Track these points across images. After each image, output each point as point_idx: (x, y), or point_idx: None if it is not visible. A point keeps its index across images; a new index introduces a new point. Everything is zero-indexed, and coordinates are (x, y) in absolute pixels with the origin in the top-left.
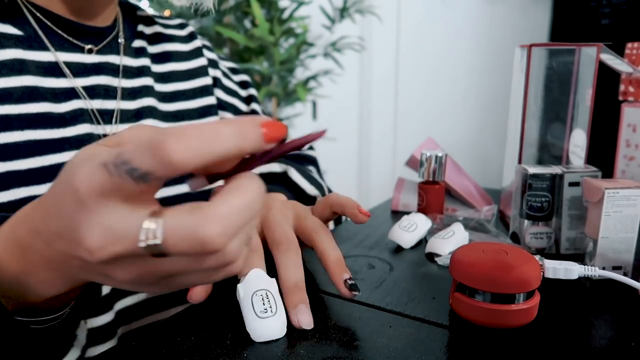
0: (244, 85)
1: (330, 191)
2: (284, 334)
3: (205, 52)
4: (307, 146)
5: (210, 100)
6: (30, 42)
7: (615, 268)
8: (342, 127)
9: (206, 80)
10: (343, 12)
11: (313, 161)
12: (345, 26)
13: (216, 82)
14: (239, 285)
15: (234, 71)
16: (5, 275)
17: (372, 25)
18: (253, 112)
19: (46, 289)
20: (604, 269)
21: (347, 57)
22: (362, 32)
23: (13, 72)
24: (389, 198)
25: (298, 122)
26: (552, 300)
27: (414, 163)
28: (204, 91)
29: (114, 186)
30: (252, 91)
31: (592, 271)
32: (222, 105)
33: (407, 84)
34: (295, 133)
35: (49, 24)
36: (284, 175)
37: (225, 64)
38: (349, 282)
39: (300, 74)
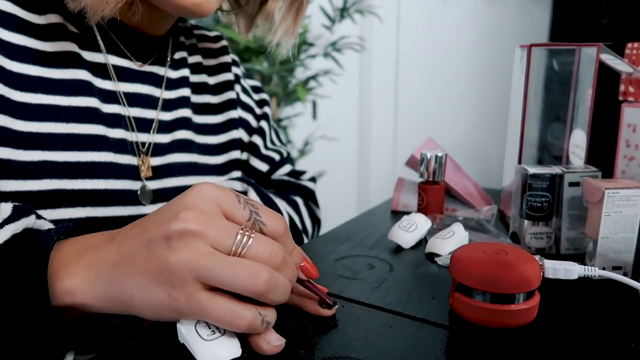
0: (261, 103)
1: (292, 221)
2: (239, 354)
3: (233, 68)
4: (308, 176)
5: (233, 114)
6: (84, 41)
7: (615, 268)
8: (342, 127)
9: (231, 95)
10: (343, 12)
11: (307, 193)
12: (345, 26)
13: (237, 96)
14: (178, 325)
15: (256, 89)
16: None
17: (372, 25)
18: (260, 129)
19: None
20: (604, 269)
21: (347, 57)
22: (362, 32)
23: (70, 65)
24: (389, 198)
25: (298, 122)
26: (552, 300)
27: (414, 163)
28: (229, 105)
29: (234, 209)
30: (267, 110)
31: (592, 271)
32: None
33: (407, 83)
34: (295, 133)
35: (106, 28)
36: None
37: (248, 82)
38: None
39: (300, 74)
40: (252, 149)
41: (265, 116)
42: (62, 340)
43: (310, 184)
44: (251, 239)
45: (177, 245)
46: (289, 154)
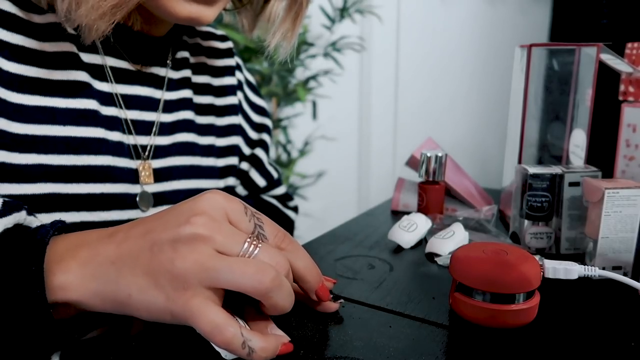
0: (260, 111)
1: None
2: None
3: (236, 72)
4: (293, 204)
5: (234, 120)
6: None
7: (615, 268)
8: (342, 127)
9: (234, 100)
10: (343, 12)
11: (288, 224)
12: (345, 26)
13: (239, 103)
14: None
15: (259, 109)
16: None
17: (372, 25)
18: (262, 141)
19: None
20: (604, 269)
21: (347, 57)
22: (362, 32)
23: (69, 66)
24: (389, 198)
25: (298, 122)
26: (552, 300)
27: (414, 163)
28: (231, 110)
29: (240, 220)
30: (267, 121)
31: (592, 271)
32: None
33: (407, 83)
34: (295, 133)
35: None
36: None
37: (249, 89)
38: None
39: (300, 74)
40: (255, 161)
41: (265, 128)
42: (52, 337)
43: (292, 215)
44: (257, 249)
45: (184, 249)
46: (279, 172)
